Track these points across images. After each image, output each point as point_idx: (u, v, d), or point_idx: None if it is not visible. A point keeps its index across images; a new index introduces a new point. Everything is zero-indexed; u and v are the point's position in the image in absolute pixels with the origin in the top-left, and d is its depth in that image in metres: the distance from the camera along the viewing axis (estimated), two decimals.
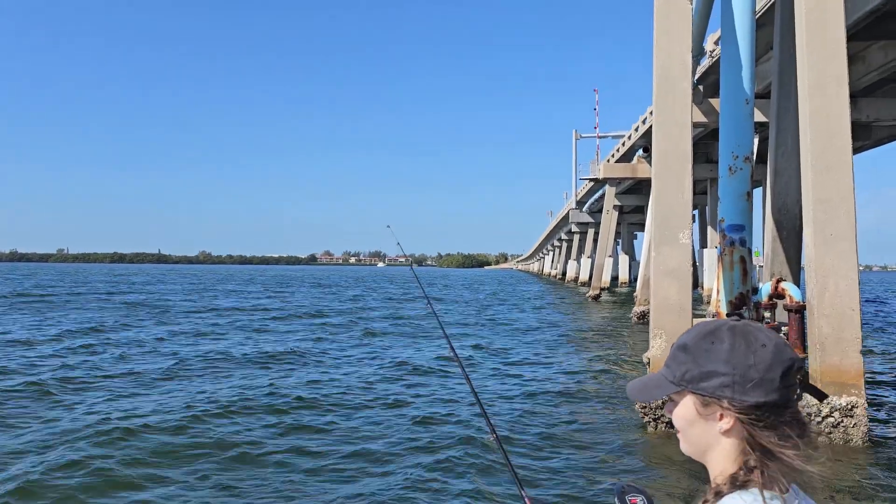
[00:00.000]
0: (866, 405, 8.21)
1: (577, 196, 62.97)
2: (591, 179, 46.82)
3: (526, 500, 2.04)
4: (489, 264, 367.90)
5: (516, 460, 7.63)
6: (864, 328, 8.52)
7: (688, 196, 9.44)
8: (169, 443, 8.40)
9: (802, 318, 10.01)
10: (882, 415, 10.17)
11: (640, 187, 40.85)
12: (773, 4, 13.49)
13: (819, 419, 8.06)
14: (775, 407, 1.18)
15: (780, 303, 10.73)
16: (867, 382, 8.67)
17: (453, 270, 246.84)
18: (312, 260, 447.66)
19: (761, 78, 15.96)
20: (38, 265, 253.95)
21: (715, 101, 19.64)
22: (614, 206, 40.68)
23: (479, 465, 7.67)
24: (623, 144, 35.05)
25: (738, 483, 1.18)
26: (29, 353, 16.02)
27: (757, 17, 11.32)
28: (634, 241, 68.30)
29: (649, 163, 29.70)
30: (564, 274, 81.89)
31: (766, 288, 10.84)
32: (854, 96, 13.41)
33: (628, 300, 38.15)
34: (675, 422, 1.29)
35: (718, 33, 14.75)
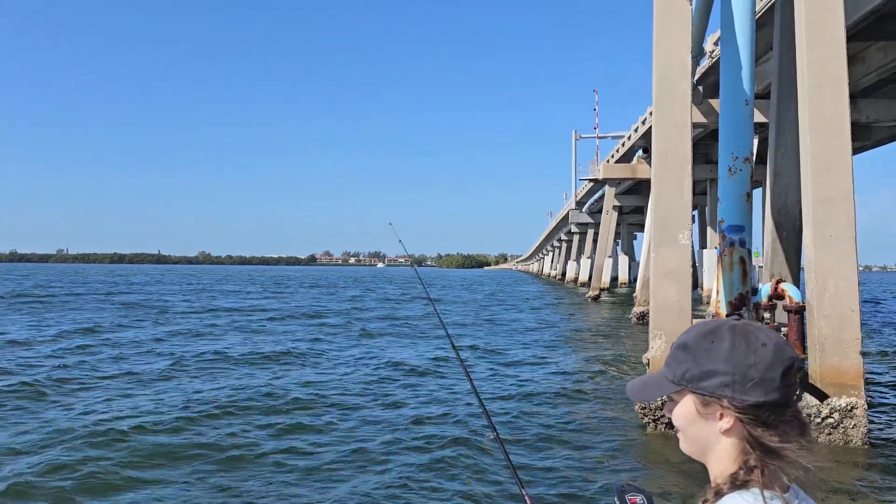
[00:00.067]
0: (866, 406, 8.20)
1: (576, 196, 62.98)
2: (590, 180, 46.81)
3: (527, 498, 2.03)
4: (489, 265, 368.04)
5: (515, 460, 7.61)
6: (861, 329, 8.50)
7: (687, 197, 9.43)
8: (164, 443, 8.38)
9: (802, 318, 10.01)
10: (881, 416, 10.16)
11: (640, 188, 40.84)
12: (773, 5, 13.49)
13: (819, 420, 8.05)
14: (776, 406, 1.17)
15: (779, 303, 10.72)
16: (866, 383, 8.66)
17: (452, 271, 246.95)
18: (312, 260, 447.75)
19: (761, 78, 15.95)
20: (37, 265, 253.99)
21: (714, 102, 19.65)
22: (614, 207, 40.67)
23: (478, 464, 7.67)
24: (623, 145, 35.04)
25: (738, 482, 1.17)
26: (25, 353, 16.00)
27: (756, 17, 11.32)
28: (634, 241, 68.35)
29: (649, 163, 29.68)
30: (564, 274, 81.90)
31: (765, 289, 10.84)
32: (854, 97, 13.41)
33: (628, 301, 38.14)
34: (675, 421, 1.28)
35: (718, 34, 14.76)
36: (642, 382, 1.34)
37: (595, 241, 52.96)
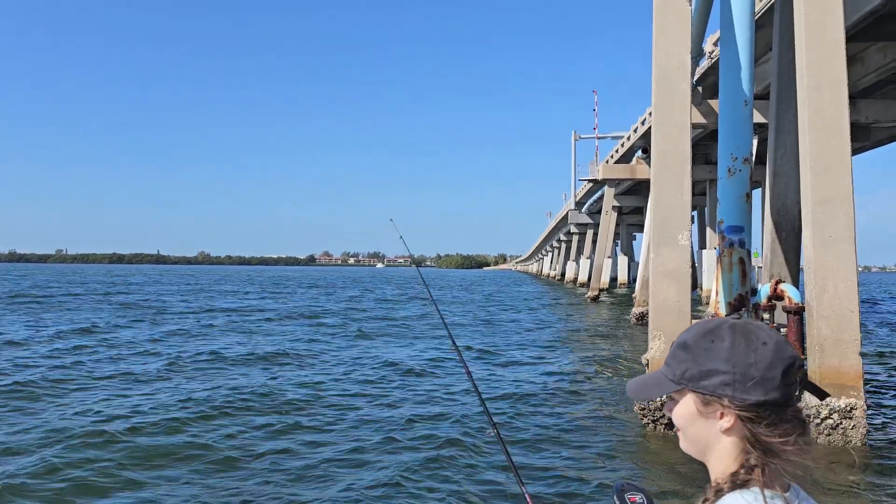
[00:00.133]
0: (865, 407, 8.20)
1: (576, 197, 62.96)
2: (590, 180, 46.83)
3: (526, 496, 2.04)
4: (488, 265, 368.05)
5: (514, 459, 7.61)
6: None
7: (687, 197, 9.43)
8: (160, 443, 8.37)
9: (801, 319, 10.00)
10: (880, 416, 10.16)
11: (639, 188, 40.85)
12: (773, 5, 13.49)
13: (818, 421, 8.05)
14: (776, 405, 1.16)
15: (778, 304, 10.72)
16: (864, 384, 8.66)
17: (452, 271, 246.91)
18: (311, 261, 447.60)
19: (760, 79, 15.96)
20: (36, 266, 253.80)
21: (714, 103, 19.65)
22: (613, 207, 40.67)
23: (476, 464, 7.66)
24: (622, 145, 35.05)
25: (738, 482, 1.17)
26: (22, 353, 15.96)
27: (756, 18, 11.32)
28: (633, 242, 68.41)
29: (648, 164, 29.69)
30: (563, 275, 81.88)
31: (764, 289, 10.83)
32: (853, 98, 13.42)
33: (627, 301, 38.14)
34: (675, 420, 1.28)
35: (717, 34, 14.77)
36: (642, 381, 1.33)
37: (594, 241, 52.96)
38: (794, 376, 1.18)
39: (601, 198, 46.40)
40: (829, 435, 8.03)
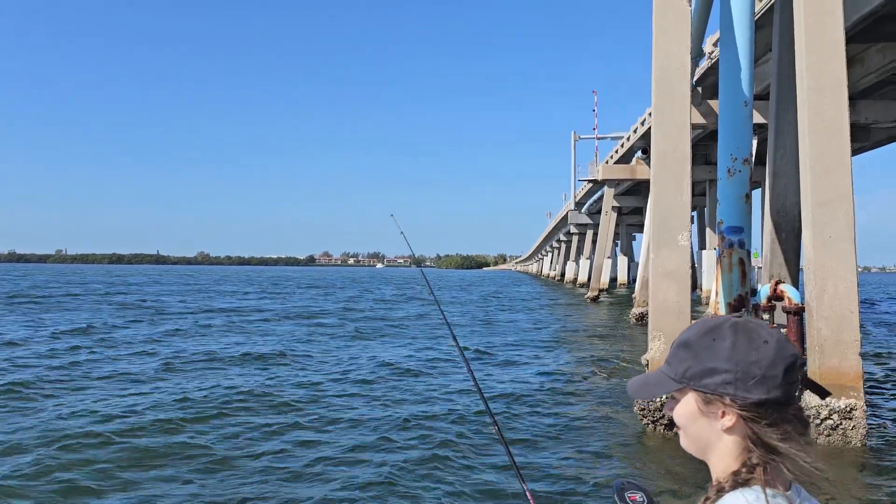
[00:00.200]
0: (865, 407, 8.20)
1: (575, 197, 62.97)
2: (589, 181, 46.82)
3: (527, 493, 2.04)
4: (488, 265, 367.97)
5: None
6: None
7: (687, 198, 9.43)
8: (157, 443, 8.36)
9: (801, 320, 10.01)
10: (878, 417, 10.16)
11: (639, 189, 40.85)
12: (772, 6, 13.50)
13: (818, 421, 8.05)
14: (778, 404, 1.16)
15: (778, 305, 10.72)
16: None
17: (451, 272, 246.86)
18: (311, 261, 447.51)
19: (760, 79, 15.97)
20: (36, 266, 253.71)
21: (714, 103, 19.66)
22: (613, 208, 40.67)
23: (474, 463, 7.65)
24: (622, 146, 35.05)
25: (740, 481, 1.16)
26: (19, 353, 15.94)
27: (756, 18, 11.33)
28: (633, 242, 68.41)
29: (648, 164, 29.68)
30: (563, 275, 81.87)
31: (764, 290, 10.84)
32: (853, 98, 13.42)
33: (627, 301, 38.14)
34: (676, 419, 1.28)
35: (717, 35, 14.77)
36: (643, 380, 1.33)
37: (594, 241, 52.95)
38: (795, 375, 1.18)
39: (601, 198, 46.39)
40: (828, 435, 8.03)
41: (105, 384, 12.28)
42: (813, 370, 8.33)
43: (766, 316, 10.94)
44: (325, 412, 10.28)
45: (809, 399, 7.91)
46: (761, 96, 15.97)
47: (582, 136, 79.56)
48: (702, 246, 34.79)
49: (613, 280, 58.89)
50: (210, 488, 6.84)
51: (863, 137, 20.62)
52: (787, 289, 10.55)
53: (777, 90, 12.48)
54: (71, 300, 37.64)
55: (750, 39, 9.74)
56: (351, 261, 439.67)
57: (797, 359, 1.19)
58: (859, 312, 8.44)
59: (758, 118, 14.76)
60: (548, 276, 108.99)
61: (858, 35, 13.75)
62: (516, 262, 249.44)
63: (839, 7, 8.66)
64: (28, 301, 35.97)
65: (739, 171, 9.63)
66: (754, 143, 18.19)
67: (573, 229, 66.63)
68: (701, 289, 30.29)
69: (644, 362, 10.17)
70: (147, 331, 21.59)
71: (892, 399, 11.84)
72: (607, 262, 45.26)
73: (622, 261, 63.27)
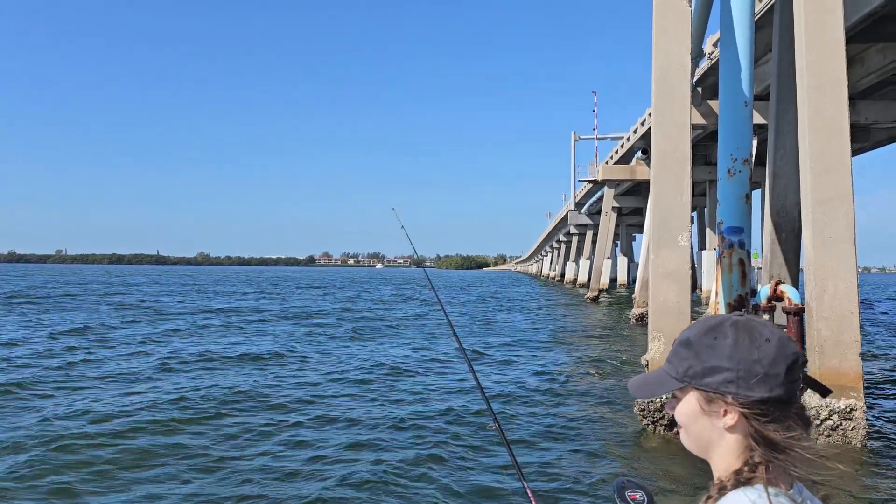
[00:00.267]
0: (865, 408, 8.19)
1: (575, 198, 62.98)
2: (589, 181, 46.81)
3: (528, 491, 2.03)
4: (487, 266, 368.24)
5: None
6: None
7: (687, 198, 9.42)
8: (154, 443, 8.34)
9: (801, 320, 9.99)
10: (877, 418, 10.15)
11: (639, 189, 40.86)
12: (772, 6, 13.49)
13: (818, 422, 8.05)
14: (780, 402, 1.15)
15: (778, 305, 10.71)
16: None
17: (451, 272, 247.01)
18: (311, 261, 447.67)
19: (760, 80, 15.96)
20: (36, 266, 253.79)
21: (714, 104, 19.65)
22: (613, 208, 40.67)
23: (473, 462, 7.64)
24: (622, 146, 35.04)
25: (742, 479, 1.15)
26: (17, 353, 15.90)
27: (756, 18, 11.32)
28: (633, 242, 68.40)
29: (648, 164, 29.68)
30: (563, 275, 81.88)
31: (764, 290, 10.82)
32: (853, 98, 13.41)
33: (627, 302, 38.13)
34: (677, 418, 1.27)
35: (717, 35, 14.77)
36: (644, 379, 1.32)
37: (594, 242, 52.97)
38: (797, 373, 1.17)
39: (601, 199, 46.40)
40: (828, 436, 8.02)
41: (102, 384, 12.26)
42: (813, 371, 8.32)
43: (765, 316, 10.93)
44: (322, 412, 10.26)
45: (810, 399, 7.90)
46: (761, 96, 15.96)
47: (582, 137, 79.60)
48: (702, 246, 34.79)
49: (613, 280, 58.89)
50: (208, 488, 6.82)
51: (863, 138, 20.63)
52: (787, 289, 10.53)
53: (777, 90, 12.47)
54: (69, 300, 37.62)
55: (750, 40, 9.73)
56: (351, 261, 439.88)
57: (799, 357, 1.18)
58: (859, 313, 8.43)
59: (758, 118, 14.75)
60: (547, 277, 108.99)
61: (858, 35, 13.75)
62: (516, 263, 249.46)
63: (839, 5, 8.65)
64: (26, 301, 35.95)
65: (739, 172, 9.62)
66: (754, 143, 18.19)
67: (573, 230, 66.63)
68: (701, 289, 30.28)
69: (644, 363, 10.16)
70: (145, 331, 21.56)
71: (892, 399, 11.83)
72: (607, 263, 45.25)
73: (622, 261, 63.27)
